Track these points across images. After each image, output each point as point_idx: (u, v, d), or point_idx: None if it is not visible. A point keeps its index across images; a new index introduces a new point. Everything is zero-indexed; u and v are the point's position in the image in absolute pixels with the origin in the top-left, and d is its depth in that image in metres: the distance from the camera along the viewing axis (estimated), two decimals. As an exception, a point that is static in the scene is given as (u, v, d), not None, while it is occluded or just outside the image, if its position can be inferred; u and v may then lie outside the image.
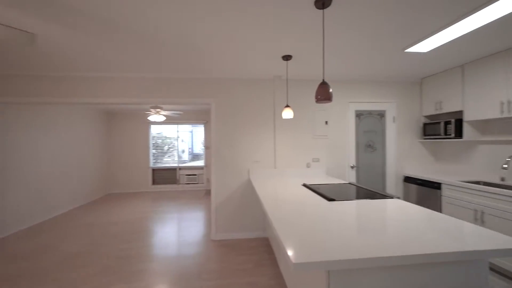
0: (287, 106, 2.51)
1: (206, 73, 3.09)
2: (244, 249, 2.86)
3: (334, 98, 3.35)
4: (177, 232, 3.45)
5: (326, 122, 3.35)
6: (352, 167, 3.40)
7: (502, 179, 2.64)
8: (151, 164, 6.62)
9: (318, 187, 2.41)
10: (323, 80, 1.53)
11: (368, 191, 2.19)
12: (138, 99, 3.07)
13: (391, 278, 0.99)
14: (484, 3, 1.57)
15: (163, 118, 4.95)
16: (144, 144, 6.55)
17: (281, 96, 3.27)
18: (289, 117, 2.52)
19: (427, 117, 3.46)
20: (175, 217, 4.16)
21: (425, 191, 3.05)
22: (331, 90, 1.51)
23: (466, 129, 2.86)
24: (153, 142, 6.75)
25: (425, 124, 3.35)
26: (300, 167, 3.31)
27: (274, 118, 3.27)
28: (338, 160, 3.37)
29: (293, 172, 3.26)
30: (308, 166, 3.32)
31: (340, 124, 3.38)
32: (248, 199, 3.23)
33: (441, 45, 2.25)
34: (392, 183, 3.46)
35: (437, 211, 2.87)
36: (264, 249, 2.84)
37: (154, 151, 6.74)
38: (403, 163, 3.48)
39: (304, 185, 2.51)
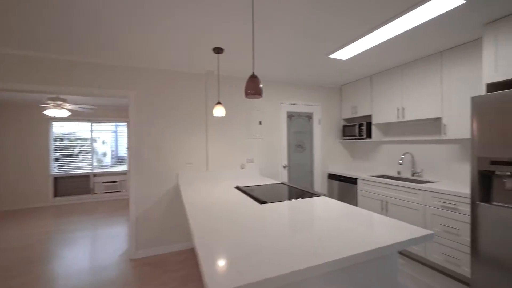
0: (219, 103, 2.34)
1: (124, 60, 2.59)
2: (170, 264, 2.50)
3: (267, 98, 3.38)
4: (89, 254, 2.77)
5: (260, 122, 3.34)
6: (284, 167, 3.50)
7: (399, 173, 3.19)
8: (53, 171, 5.28)
9: (252, 189, 2.33)
10: (253, 73, 1.42)
11: (298, 190, 2.22)
12: (25, 85, 2.30)
13: (326, 281, 0.94)
14: (393, 17, 1.79)
15: (67, 114, 3.98)
16: (42, 146, 5.15)
17: (214, 93, 3.07)
18: (220, 115, 2.35)
19: (346, 120, 3.91)
20: (86, 236, 3.37)
21: (345, 186, 3.41)
22: (261, 85, 1.41)
23: (374, 131, 3.34)
24: (58, 143, 5.41)
25: (344, 126, 3.76)
26: (234, 168, 3.18)
27: (206, 116, 3.04)
28: (272, 160, 3.41)
29: (227, 174, 3.10)
30: (242, 167, 3.22)
31: (273, 125, 3.43)
32: (176, 207, 2.88)
33: (356, 55, 2.53)
34: (319, 180, 3.74)
35: (354, 203, 3.23)
36: (194, 261, 2.57)
37: (58, 154, 5.40)
38: (327, 162, 3.82)
39: (237, 187, 2.38)
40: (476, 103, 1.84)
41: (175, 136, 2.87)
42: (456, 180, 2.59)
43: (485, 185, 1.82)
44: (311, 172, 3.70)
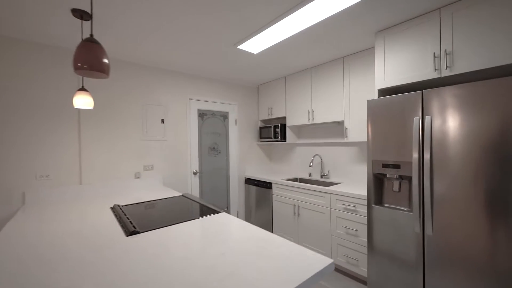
0: (82, 89, 1.65)
1: None
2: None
3: (172, 92, 2.82)
4: None
5: (163, 121, 2.74)
6: (195, 173, 3.01)
7: (310, 175, 3.23)
8: None
9: (134, 208, 1.75)
10: (91, 36, 0.90)
11: (196, 206, 1.80)
12: None
13: None
14: (295, 6, 1.59)
15: None
16: None
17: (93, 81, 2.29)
18: (84, 107, 1.67)
19: (263, 121, 3.77)
20: None
21: (262, 191, 3.22)
22: (106, 60, 0.90)
23: (288, 133, 3.29)
24: None
25: (261, 128, 3.60)
26: (125, 178, 2.47)
27: (79, 114, 2.22)
28: (179, 166, 2.87)
29: (112, 187, 2.37)
30: (137, 176, 2.55)
31: (180, 124, 2.90)
32: (25, 239, 1.95)
33: (266, 50, 2.32)
34: (235, 186, 3.44)
35: (270, 209, 3.07)
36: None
37: None
38: (244, 165, 3.57)
39: (114, 207, 1.74)
40: (370, 107, 1.87)
41: (17, 136, 1.95)
42: (358, 182, 2.74)
43: (378, 187, 1.87)
44: (227, 178, 3.36)
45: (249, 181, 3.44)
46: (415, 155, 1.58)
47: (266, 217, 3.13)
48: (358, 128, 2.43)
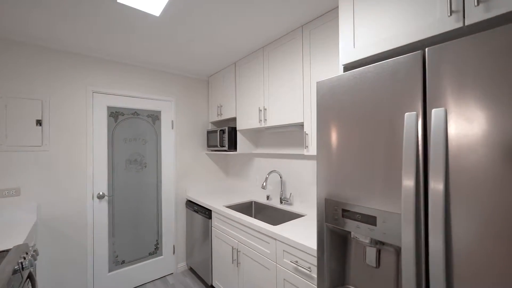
0: None
1: None
2: None
3: (60, 81, 1.94)
4: None
5: (39, 122, 1.86)
6: (100, 197, 2.12)
7: (268, 197, 2.33)
8: None
9: None
10: None
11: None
12: None
13: None
14: None
15: None
16: None
17: None
18: None
19: (214, 123, 2.89)
20: None
21: (202, 220, 2.31)
22: None
23: (241, 140, 2.40)
24: None
25: (208, 133, 2.72)
26: (-39, 211, 1.59)
27: None
28: (70, 187, 1.98)
29: None
30: (-14, 207, 1.67)
31: (75, 127, 2.02)
32: None
33: (184, 16, 1.45)
34: (171, 211, 2.54)
35: (209, 245, 2.16)
36: None
37: None
38: (187, 183, 2.67)
39: None
40: (322, 94, 1.00)
41: None
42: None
43: (339, 251, 0.98)
44: (157, 200, 2.46)
45: (190, 205, 2.54)
46: (409, 193, 0.69)
47: (206, 258, 2.22)
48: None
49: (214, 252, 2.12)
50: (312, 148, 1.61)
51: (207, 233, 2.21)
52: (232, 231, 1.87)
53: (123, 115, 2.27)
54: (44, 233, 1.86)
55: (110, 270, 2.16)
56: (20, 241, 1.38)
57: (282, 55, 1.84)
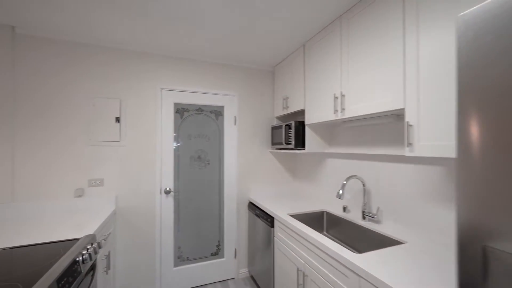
0: None
1: None
2: None
3: (134, 81, 2.05)
4: None
5: (118, 119, 2.01)
6: (167, 192, 2.16)
7: (344, 209, 1.84)
8: None
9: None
10: None
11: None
12: None
13: None
14: None
15: None
16: None
17: (21, 69, 1.76)
18: None
19: (279, 118, 2.58)
20: None
21: (264, 227, 2.05)
22: None
23: (309, 136, 2.00)
24: None
25: (272, 128, 2.43)
26: (61, 196, 1.85)
27: (11, 107, 1.72)
28: (142, 181, 2.08)
29: (47, 207, 1.77)
30: (78, 194, 1.89)
31: (146, 123, 2.11)
32: None
33: None
34: (233, 212, 2.40)
35: (271, 258, 1.87)
36: None
37: None
38: (250, 183, 2.47)
39: None
40: (471, 44, 0.51)
41: None
42: (445, 246, 1.24)
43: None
44: (220, 200, 2.36)
45: (252, 208, 2.32)
46: None
47: (268, 271, 1.95)
48: (439, 125, 1.00)
49: (276, 267, 1.81)
50: (420, 146, 1.07)
51: (269, 242, 1.93)
52: (298, 247, 1.52)
53: (188, 111, 2.26)
54: (120, 222, 2.00)
55: (175, 265, 2.18)
56: (96, 227, 1.44)
57: (369, 23, 1.34)
